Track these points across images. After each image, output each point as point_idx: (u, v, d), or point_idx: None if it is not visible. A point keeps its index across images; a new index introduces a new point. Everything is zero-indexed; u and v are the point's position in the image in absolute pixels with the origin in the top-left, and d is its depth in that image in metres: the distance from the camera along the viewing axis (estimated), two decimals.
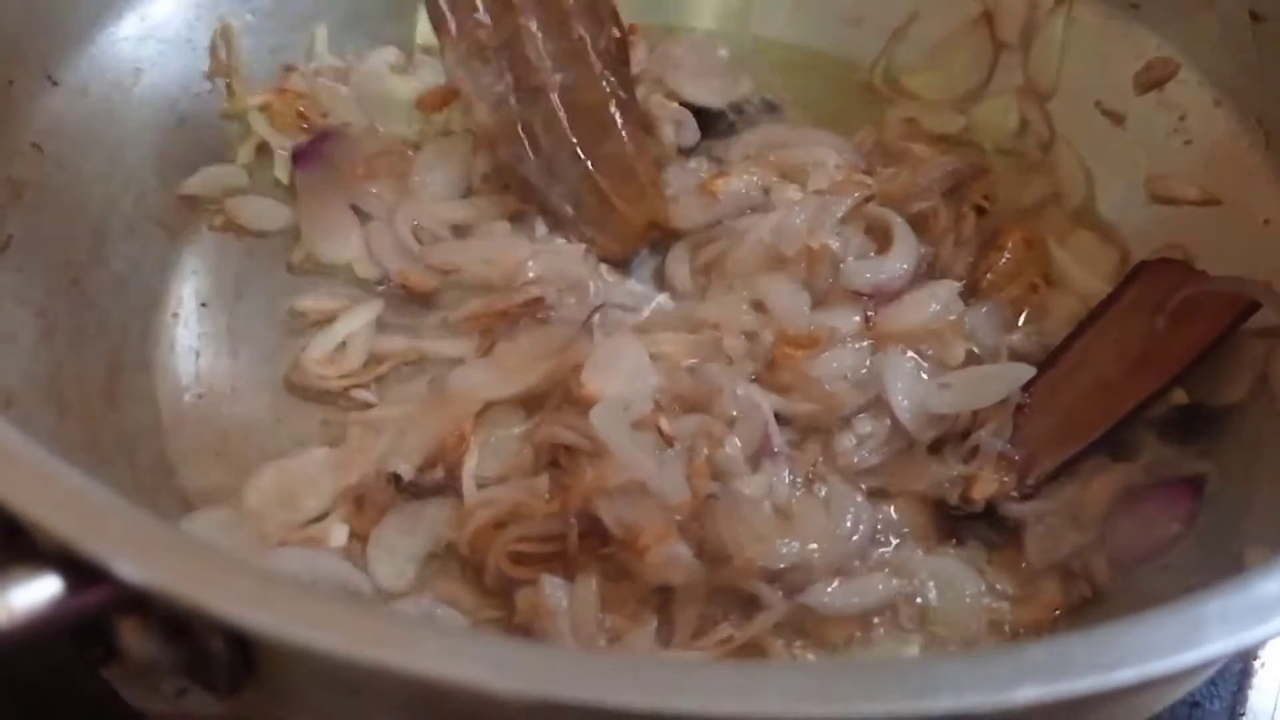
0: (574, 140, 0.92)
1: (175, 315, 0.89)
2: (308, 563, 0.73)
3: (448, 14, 0.91)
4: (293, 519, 0.77)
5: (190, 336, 0.89)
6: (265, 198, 0.95)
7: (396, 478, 0.77)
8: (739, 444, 0.77)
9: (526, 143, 0.92)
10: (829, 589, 0.72)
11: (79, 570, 0.43)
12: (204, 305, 0.90)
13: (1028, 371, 0.80)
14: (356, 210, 0.92)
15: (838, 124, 1.04)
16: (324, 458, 0.81)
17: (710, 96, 1.04)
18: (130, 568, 0.42)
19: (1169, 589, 0.72)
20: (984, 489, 0.76)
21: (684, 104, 1.01)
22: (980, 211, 0.96)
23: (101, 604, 0.43)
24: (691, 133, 1.01)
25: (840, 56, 1.10)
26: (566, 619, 0.66)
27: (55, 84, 0.88)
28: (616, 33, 0.94)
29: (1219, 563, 0.72)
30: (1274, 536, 0.70)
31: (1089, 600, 0.75)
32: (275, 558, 0.73)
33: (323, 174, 0.93)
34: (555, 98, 0.92)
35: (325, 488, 0.79)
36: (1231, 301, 0.82)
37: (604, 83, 0.94)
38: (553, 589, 0.67)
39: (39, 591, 0.42)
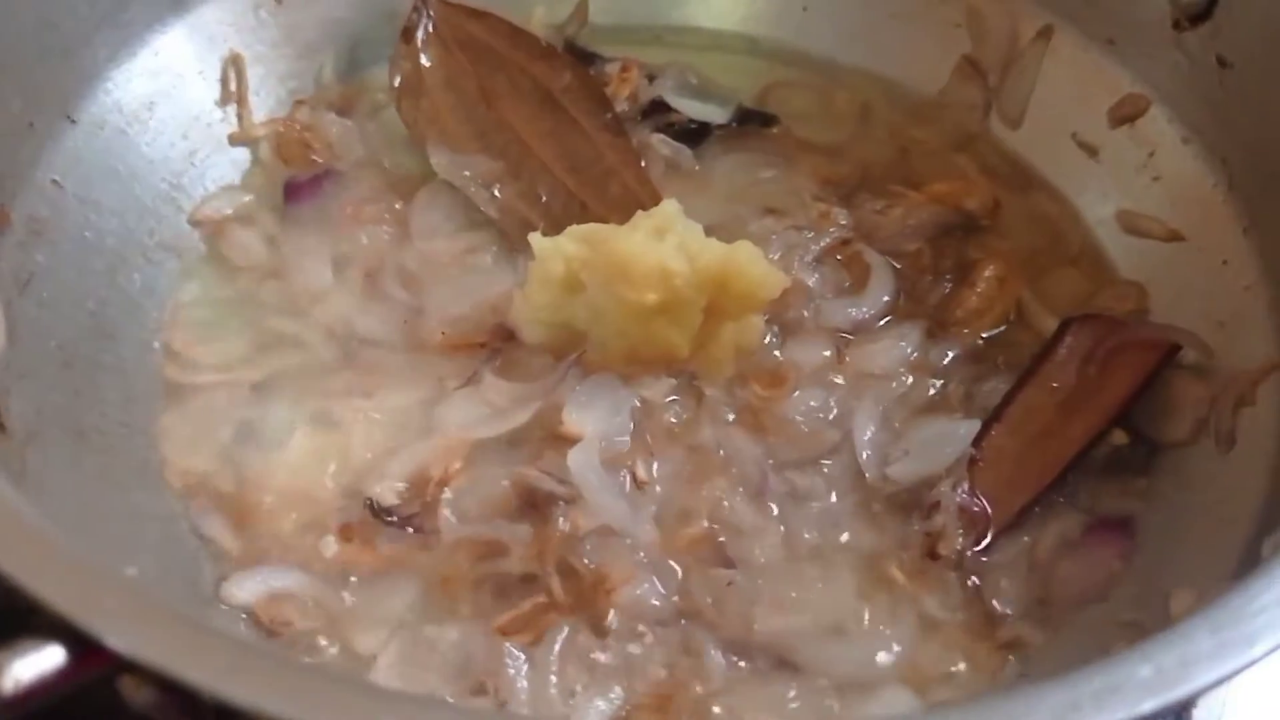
0: (581, 200, 0.98)
1: (183, 337, 0.93)
2: (298, 580, 0.79)
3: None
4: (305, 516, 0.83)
5: (195, 353, 0.93)
6: (249, 230, 0.99)
7: (371, 502, 0.82)
8: (741, 493, 0.83)
9: (534, 212, 0.98)
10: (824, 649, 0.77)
11: (79, 640, 0.49)
12: (207, 325, 0.94)
13: (973, 428, 0.85)
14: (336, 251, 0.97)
15: (830, 139, 1.09)
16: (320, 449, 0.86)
17: (712, 113, 1.10)
18: (122, 642, 0.48)
19: (1104, 625, 0.78)
20: (949, 546, 0.81)
21: (688, 122, 1.08)
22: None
23: (101, 669, 0.49)
24: (687, 159, 1.06)
25: (845, 65, 1.13)
26: (527, 691, 0.72)
27: (74, 122, 0.93)
28: (569, 77, 1.02)
29: (1150, 601, 0.76)
30: (1200, 580, 0.74)
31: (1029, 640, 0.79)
32: (273, 575, 0.79)
33: (311, 212, 0.98)
34: (553, 167, 0.99)
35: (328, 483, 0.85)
36: (1155, 346, 0.87)
37: (593, 133, 1.00)
38: (514, 663, 0.73)
39: (43, 662, 0.48)
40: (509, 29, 1.05)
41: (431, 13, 1.03)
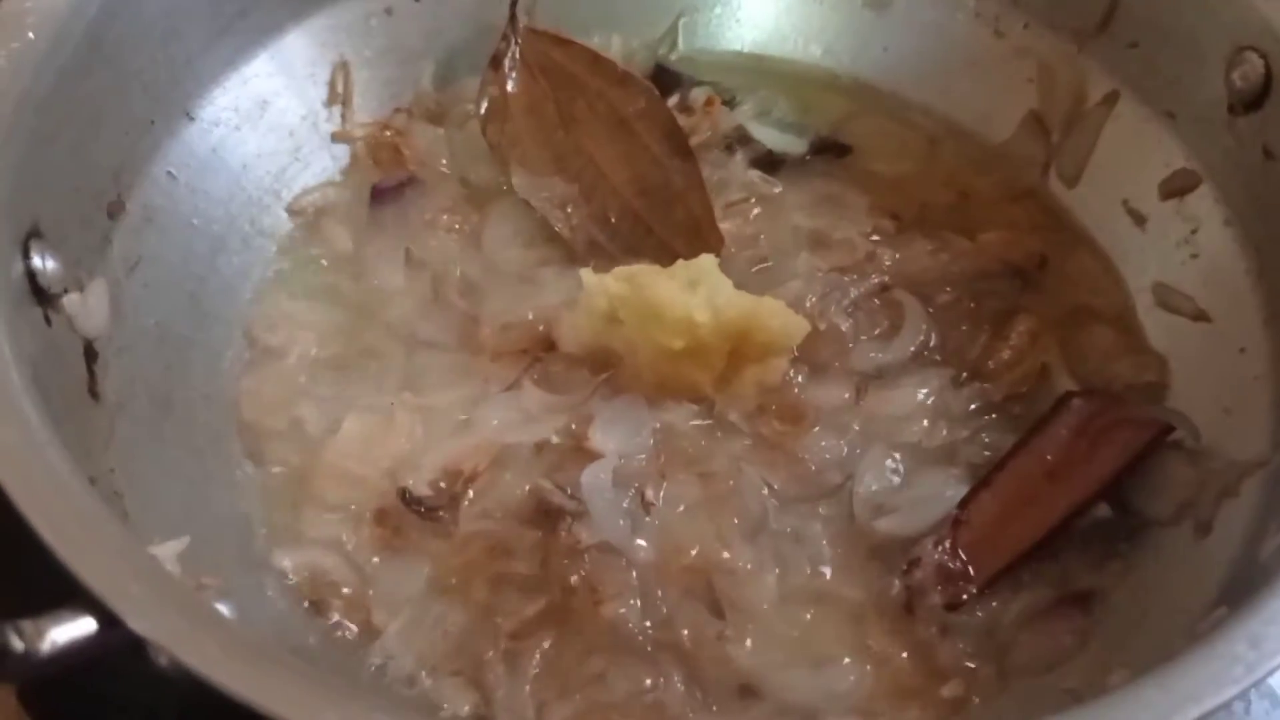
0: (649, 223, 1.05)
1: (268, 316, 1.03)
2: (333, 560, 0.89)
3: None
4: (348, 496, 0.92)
5: (276, 331, 1.02)
6: (339, 225, 1.08)
7: (404, 491, 0.90)
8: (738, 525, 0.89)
9: (603, 234, 1.05)
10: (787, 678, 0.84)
11: (109, 615, 0.60)
12: (292, 308, 1.04)
13: (960, 490, 0.89)
14: (409, 256, 1.05)
15: (897, 173, 1.14)
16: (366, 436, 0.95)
17: (789, 142, 1.16)
18: (141, 624, 0.59)
19: (1045, 690, 0.83)
20: (924, 603, 0.86)
21: (768, 153, 1.14)
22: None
23: (127, 640, 0.60)
24: (772, 189, 1.12)
25: (917, 105, 1.18)
26: (504, 692, 0.81)
27: (192, 119, 1.02)
28: (644, 103, 1.07)
29: (1093, 673, 0.81)
30: (1143, 664, 0.77)
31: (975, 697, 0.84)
32: (312, 552, 0.89)
33: (392, 216, 1.07)
34: (623, 191, 1.06)
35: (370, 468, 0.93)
36: (1149, 425, 0.90)
37: (663, 158, 1.06)
38: (494, 670, 0.82)
39: (76, 630, 0.59)
40: (590, 56, 1.12)
41: (519, 40, 1.10)
